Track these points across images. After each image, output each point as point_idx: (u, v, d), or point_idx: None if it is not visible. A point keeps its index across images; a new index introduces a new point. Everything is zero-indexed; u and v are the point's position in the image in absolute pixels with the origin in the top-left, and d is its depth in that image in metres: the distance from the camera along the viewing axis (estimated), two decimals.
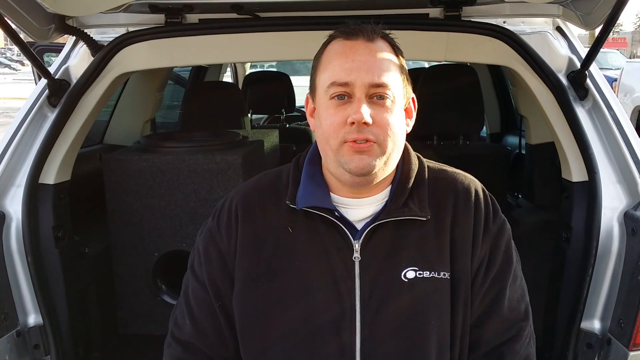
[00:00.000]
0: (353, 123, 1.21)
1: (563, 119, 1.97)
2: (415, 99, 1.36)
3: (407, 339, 1.28)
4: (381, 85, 1.23)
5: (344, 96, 1.23)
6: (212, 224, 1.39)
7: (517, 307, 1.35)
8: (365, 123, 1.21)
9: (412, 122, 1.36)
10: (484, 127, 3.96)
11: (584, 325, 1.83)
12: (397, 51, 1.30)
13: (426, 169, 1.37)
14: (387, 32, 1.31)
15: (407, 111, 1.34)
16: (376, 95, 1.23)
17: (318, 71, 1.29)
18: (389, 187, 1.33)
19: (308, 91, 1.36)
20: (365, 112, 1.21)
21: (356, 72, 1.22)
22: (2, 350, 1.83)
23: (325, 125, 1.25)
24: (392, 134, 1.25)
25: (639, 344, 1.67)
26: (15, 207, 1.94)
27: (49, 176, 2.04)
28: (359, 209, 1.32)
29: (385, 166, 1.27)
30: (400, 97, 1.28)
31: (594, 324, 1.83)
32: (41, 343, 1.94)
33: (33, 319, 1.95)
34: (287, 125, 4.79)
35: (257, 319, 1.31)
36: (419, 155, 1.40)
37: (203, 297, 1.37)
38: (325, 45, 1.30)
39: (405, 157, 1.36)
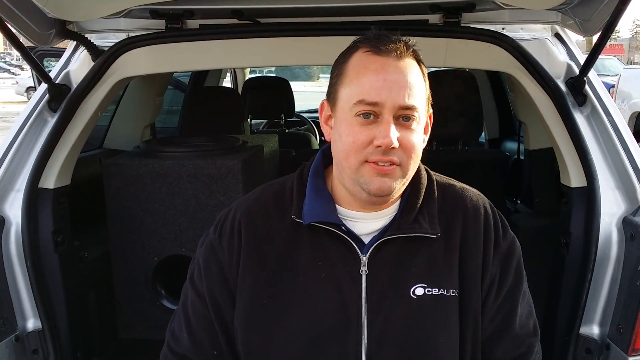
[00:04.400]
0: (379, 146, 1.18)
1: (562, 124, 1.97)
2: (432, 115, 1.34)
3: (415, 356, 1.27)
4: (410, 108, 1.20)
5: (370, 115, 1.20)
6: (214, 237, 1.36)
7: (526, 323, 1.35)
8: (393, 147, 1.18)
9: (427, 138, 1.33)
10: (483, 133, 3.97)
11: (583, 330, 1.83)
12: (422, 69, 1.27)
13: (435, 184, 1.35)
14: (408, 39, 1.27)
15: (425, 127, 1.31)
16: (403, 116, 1.20)
17: (342, 82, 1.24)
18: (398, 201, 1.31)
19: (325, 98, 1.31)
20: (394, 136, 1.18)
21: (387, 92, 1.18)
22: (1, 355, 1.83)
23: (347, 142, 1.21)
24: (415, 156, 1.23)
25: (638, 349, 1.67)
26: (14, 211, 1.94)
27: (49, 181, 2.04)
28: (367, 223, 1.30)
29: (402, 186, 1.26)
30: (424, 116, 1.26)
31: (593, 330, 1.83)
32: (40, 348, 1.93)
33: (32, 323, 1.94)
34: (287, 131, 4.79)
35: (260, 334, 1.30)
36: (427, 168, 1.38)
37: (202, 310, 1.35)
38: (350, 53, 1.25)
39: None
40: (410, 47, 1.24)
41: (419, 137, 1.24)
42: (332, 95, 1.28)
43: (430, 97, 1.30)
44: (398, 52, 1.21)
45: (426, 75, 1.28)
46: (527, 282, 1.41)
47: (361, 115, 1.20)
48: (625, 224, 1.80)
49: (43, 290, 1.95)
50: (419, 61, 1.27)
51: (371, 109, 1.19)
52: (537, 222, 2.66)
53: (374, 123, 1.20)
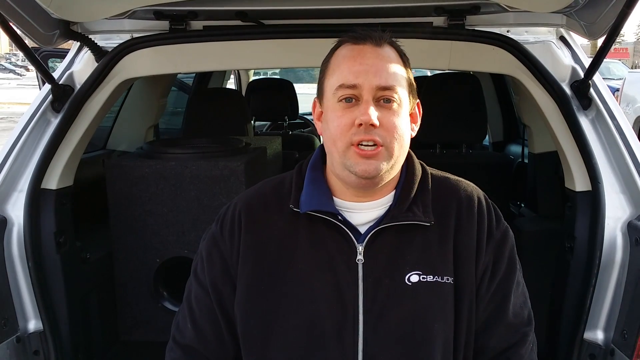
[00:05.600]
0: (360, 125, 1.23)
1: (566, 128, 1.96)
2: (420, 104, 1.38)
3: (410, 343, 1.28)
4: (388, 88, 1.25)
5: (352, 99, 1.25)
6: (216, 229, 1.40)
7: (520, 312, 1.37)
8: (372, 125, 1.22)
9: (417, 127, 1.38)
10: (487, 136, 3.96)
11: (587, 335, 1.82)
12: (403, 57, 1.32)
13: (429, 176, 1.38)
14: (394, 39, 1.32)
15: (412, 116, 1.35)
16: (383, 98, 1.25)
17: (326, 75, 1.31)
18: (393, 192, 1.34)
19: (315, 95, 1.37)
20: (372, 113, 1.22)
21: (364, 74, 1.24)
22: (1, 356, 1.83)
23: (333, 127, 1.27)
24: (399, 137, 1.26)
25: None
26: (17, 212, 1.94)
27: (52, 181, 2.04)
28: (363, 213, 1.33)
29: (392, 169, 1.29)
30: (406, 101, 1.30)
31: (597, 335, 1.82)
32: (41, 349, 1.93)
33: (33, 324, 1.94)
34: (290, 132, 4.80)
35: (259, 324, 1.32)
36: (422, 162, 1.41)
37: (205, 301, 1.38)
38: (333, 50, 1.32)
39: (409, 163, 1.37)
40: (388, 37, 1.30)
41: (401, 119, 1.27)
42: (320, 91, 1.34)
43: (414, 84, 1.34)
44: (375, 40, 1.28)
45: (407, 65, 1.33)
46: (531, 285, 1.42)
47: (343, 100, 1.26)
48: (630, 228, 1.79)
49: (44, 292, 1.95)
50: (399, 52, 1.32)
51: (351, 92, 1.25)
52: (541, 226, 2.65)
53: (355, 106, 1.25)
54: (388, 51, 1.29)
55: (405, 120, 1.29)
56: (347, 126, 1.24)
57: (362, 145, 1.24)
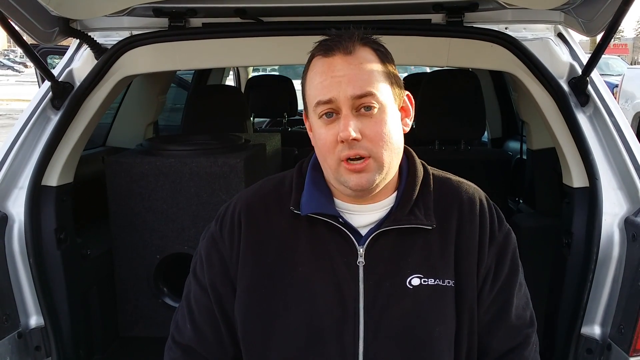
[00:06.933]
0: (343, 141, 1.21)
1: (564, 124, 1.97)
2: (411, 95, 1.35)
3: (411, 346, 1.28)
4: (365, 95, 1.22)
5: (332, 113, 1.23)
6: (215, 229, 1.39)
7: (523, 314, 1.36)
8: (354, 139, 1.20)
9: (411, 121, 1.35)
10: (486, 133, 3.97)
11: (585, 330, 1.83)
12: (380, 54, 1.28)
13: (431, 177, 1.37)
14: (375, 37, 1.29)
15: (404, 110, 1.33)
16: (363, 106, 1.22)
17: (305, 90, 1.30)
18: (394, 194, 1.33)
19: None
20: (351, 128, 1.20)
21: (337, 87, 1.21)
22: (3, 352, 1.84)
23: (320, 144, 1.26)
24: (386, 144, 1.24)
25: (639, 350, 1.68)
26: (17, 208, 1.95)
27: (52, 178, 2.05)
28: (364, 215, 1.32)
29: (386, 175, 1.27)
30: (390, 100, 1.26)
31: (595, 330, 1.83)
32: (42, 345, 1.94)
33: (34, 320, 1.95)
34: (289, 129, 4.80)
35: (259, 324, 1.32)
36: (423, 162, 1.40)
37: (204, 301, 1.38)
38: (308, 63, 1.31)
39: (410, 164, 1.36)
40: (358, 39, 1.26)
41: (386, 125, 1.24)
42: (304, 104, 1.33)
43: (398, 77, 1.30)
44: (344, 49, 1.24)
45: (387, 60, 1.28)
46: (529, 281, 1.42)
47: (324, 116, 1.24)
48: (627, 224, 1.80)
49: (45, 288, 1.96)
50: (375, 49, 1.28)
51: (329, 107, 1.23)
52: (539, 222, 2.66)
53: (336, 120, 1.23)
54: (361, 54, 1.24)
55: (391, 123, 1.25)
56: (333, 143, 1.23)
57: (350, 160, 1.22)
